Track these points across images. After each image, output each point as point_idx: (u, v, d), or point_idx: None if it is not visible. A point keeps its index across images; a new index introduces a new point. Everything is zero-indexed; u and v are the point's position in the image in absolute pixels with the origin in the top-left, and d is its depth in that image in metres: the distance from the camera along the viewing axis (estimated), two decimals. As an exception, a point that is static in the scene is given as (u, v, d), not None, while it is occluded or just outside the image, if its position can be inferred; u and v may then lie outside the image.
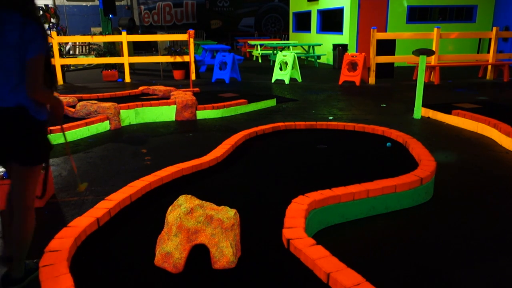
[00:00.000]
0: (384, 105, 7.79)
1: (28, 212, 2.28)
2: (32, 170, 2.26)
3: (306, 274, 2.17)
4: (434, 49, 10.71)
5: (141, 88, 8.18)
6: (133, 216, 2.88)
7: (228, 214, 2.26)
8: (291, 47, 16.13)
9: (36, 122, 2.19)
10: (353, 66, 10.65)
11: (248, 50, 19.15)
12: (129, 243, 2.53)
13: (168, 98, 7.24)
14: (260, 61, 17.07)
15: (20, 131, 2.17)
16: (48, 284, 2.03)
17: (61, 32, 12.46)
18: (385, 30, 14.42)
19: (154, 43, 20.86)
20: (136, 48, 18.35)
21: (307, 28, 18.42)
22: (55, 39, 10.52)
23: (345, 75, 10.61)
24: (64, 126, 5.44)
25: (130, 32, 12.96)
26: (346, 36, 14.82)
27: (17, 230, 2.27)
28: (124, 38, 10.92)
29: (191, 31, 10.60)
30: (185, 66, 11.51)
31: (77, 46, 17.12)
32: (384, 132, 4.88)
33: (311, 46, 15.37)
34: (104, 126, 6.05)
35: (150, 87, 8.02)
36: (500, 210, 3.35)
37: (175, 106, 6.70)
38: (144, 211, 2.96)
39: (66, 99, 6.63)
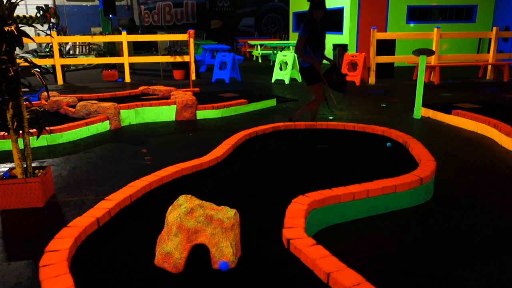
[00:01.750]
0: (384, 105, 7.79)
1: (317, 102, 5.50)
2: (312, 87, 5.38)
3: (306, 274, 2.17)
4: (434, 49, 10.71)
5: (141, 88, 8.18)
6: (133, 216, 2.88)
7: (228, 214, 2.26)
8: (291, 47, 16.12)
9: (302, 67, 5.31)
10: (353, 66, 10.65)
11: (248, 50, 19.14)
12: (129, 243, 2.53)
13: (168, 98, 7.24)
14: (260, 61, 17.07)
15: (300, 70, 5.57)
16: (48, 284, 2.03)
17: (61, 32, 12.44)
18: (385, 30, 14.42)
19: (154, 43, 20.88)
20: (136, 48, 18.36)
21: (307, 28, 18.39)
22: (55, 39, 10.53)
23: (345, 75, 10.60)
24: (64, 126, 5.47)
25: (130, 32, 12.96)
26: (346, 36, 14.82)
27: (312, 107, 5.59)
28: (124, 38, 10.92)
29: (191, 31, 10.61)
30: (185, 66, 11.51)
31: (77, 46, 17.14)
32: (384, 132, 4.88)
33: (311, 46, 15.34)
34: (104, 126, 6.05)
35: (150, 87, 8.02)
36: (500, 210, 3.35)
37: (175, 106, 6.70)
38: (144, 211, 2.96)
39: (66, 99, 6.63)
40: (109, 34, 12.31)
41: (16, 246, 2.88)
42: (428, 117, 6.72)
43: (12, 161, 4.60)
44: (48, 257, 2.26)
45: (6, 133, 4.70)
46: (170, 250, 2.19)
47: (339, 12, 15.48)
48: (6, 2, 3.28)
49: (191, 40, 10.68)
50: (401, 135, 4.59)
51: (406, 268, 2.56)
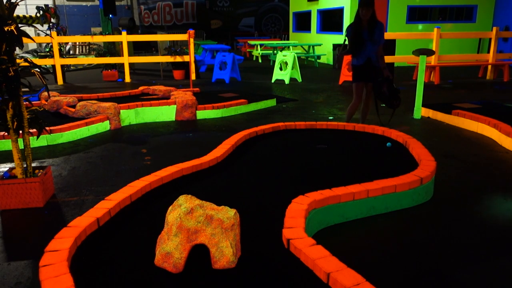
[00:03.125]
0: (384, 105, 7.78)
1: (353, 103, 5.43)
2: (353, 85, 5.35)
3: (306, 274, 2.17)
4: (434, 49, 10.71)
5: (141, 88, 8.18)
6: (133, 216, 2.88)
7: (228, 214, 2.26)
8: (291, 47, 16.13)
9: (352, 64, 5.33)
10: (353, 66, 10.64)
11: (248, 50, 19.15)
12: (129, 243, 2.53)
13: (168, 98, 7.24)
14: (260, 61, 17.07)
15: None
16: (48, 284, 2.03)
17: (61, 32, 12.43)
18: (385, 30, 14.41)
19: (154, 43, 20.88)
20: (136, 48, 18.36)
21: (307, 28, 18.42)
22: (55, 39, 10.52)
23: (345, 75, 10.61)
24: (64, 126, 5.47)
25: (130, 32, 12.96)
26: (346, 36, 14.80)
27: (364, 110, 5.55)
28: (124, 38, 10.92)
29: (191, 31, 10.60)
30: (185, 66, 11.51)
31: (77, 46, 17.13)
32: (384, 132, 4.88)
33: (311, 46, 15.36)
34: (104, 126, 6.05)
35: (150, 87, 8.02)
36: (500, 210, 3.35)
37: (175, 106, 6.70)
38: (144, 211, 2.96)
39: (66, 99, 6.63)
40: (109, 34, 12.31)
41: (16, 246, 2.88)
42: (428, 117, 6.72)
43: (12, 161, 4.59)
44: (48, 257, 2.26)
45: (6, 133, 4.70)
46: (170, 250, 2.19)
47: (339, 12, 15.48)
48: (6, 2, 3.28)
49: (191, 40, 10.68)
50: (401, 135, 4.59)
51: (406, 268, 2.56)
